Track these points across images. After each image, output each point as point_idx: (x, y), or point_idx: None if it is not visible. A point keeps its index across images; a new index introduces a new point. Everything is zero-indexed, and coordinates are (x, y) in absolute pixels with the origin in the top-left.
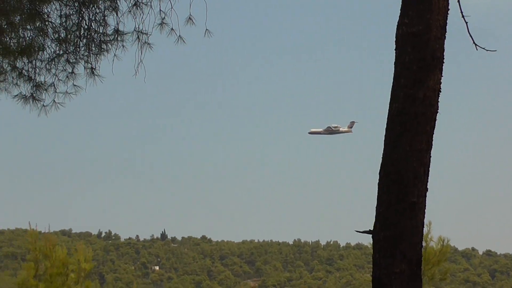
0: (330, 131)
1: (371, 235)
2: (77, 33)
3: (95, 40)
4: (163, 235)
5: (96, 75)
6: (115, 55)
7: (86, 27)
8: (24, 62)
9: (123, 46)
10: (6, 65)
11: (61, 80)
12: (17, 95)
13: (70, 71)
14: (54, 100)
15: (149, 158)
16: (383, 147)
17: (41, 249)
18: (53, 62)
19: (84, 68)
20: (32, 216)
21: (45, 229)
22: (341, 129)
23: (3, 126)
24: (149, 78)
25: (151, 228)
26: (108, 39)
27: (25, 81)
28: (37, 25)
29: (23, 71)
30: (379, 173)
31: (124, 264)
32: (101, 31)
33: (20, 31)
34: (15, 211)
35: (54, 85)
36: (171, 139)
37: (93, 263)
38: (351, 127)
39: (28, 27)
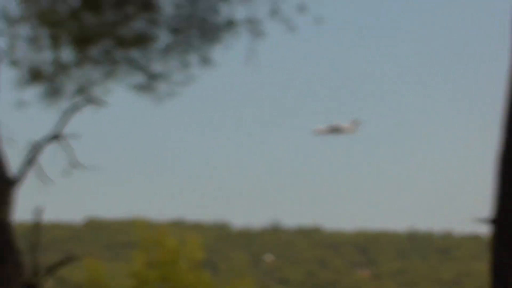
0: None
1: (490, 223)
2: (190, 22)
3: (208, 29)
4: (275, 224)
5: (209, 64)
6: (227, 44)
7: (199, 16)
8: (138, 53)
9: (235, 35)
10: (121, 56)
11: (175, 70)
12: (131, 85)
13: (184, 61)
14: (169, 90)
15: (263, 147)
16: (501, 134)
17: (153, 239)
18: (167, 52)
19: (197, 57)
20: (144, 205)
21: (156, 218)
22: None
23: (117, 117)
24: (262, 66)
25: (263, 217)
26: (221, 28)
27: (140, 71)
28: (151, 15)
29: (137, 61)
30: (498, 161)
31: (237, 253)
32: (213, 20)
33: (134, 22)
34: (127, 201)
35: (167, 75)
36: (276, 129)
37: (205, 252)
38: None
39: (142, 18)
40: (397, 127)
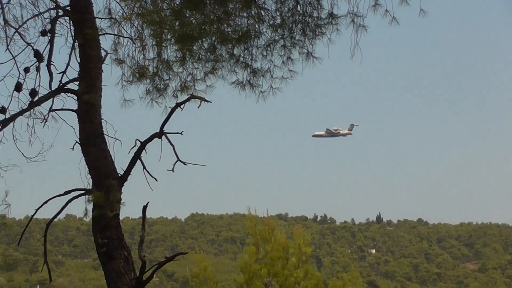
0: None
1: None
2: (292, 18)
3: (310, 24)
4: (379, 218)
5: (313, 58)
6: (329, 38)
7: (301, 12)
8: (241, 49)
9: (337, 29)
10: (224, 53)
11: (276, 66)
12: (234, 81)
13: (286, 56)
14: (271, 86)
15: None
16: None
17: (261, 233)
18: (269, 48)
19: (299, 53)
20: (250, 201)
21: (263, 213)
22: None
23: (221, 114)
24: (365, 60)
25: (367, 211)
26: (323, 22)
27: (242, 68)
28: (253, 12)
29: (240, 58)
30: None
31: (341, 247)
32: (315, 15)
33: (237, 19)
34: (233, 197)
35: (270, 71)
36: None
37: (312, 247)
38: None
39: (244, 14)
40: None
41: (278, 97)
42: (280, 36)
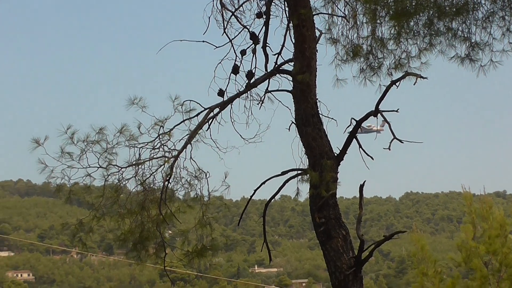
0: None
1: None
2: None
3: None
4: None
5: None
6: None
7: None
8: (459, 22)
9: None
10: (442, 27)
11: (496, 38)
12: (453, 56)
13: (506, 28)
14: (491, 59)
15: None
16: None
17: (477, 211)
18: (488, 20)
19: None
20: (465, 178)
21: (480, 191)
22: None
23: (437, 90)
24: None
25: None
26: None
27: (460, 41)
28: None
29: (459, 31)
30: None
31: None
32: None
33: None
34: (448, 175)
35: (489, 44)
36: None
37: None
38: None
39: None
40: None
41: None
42: (500, 7)
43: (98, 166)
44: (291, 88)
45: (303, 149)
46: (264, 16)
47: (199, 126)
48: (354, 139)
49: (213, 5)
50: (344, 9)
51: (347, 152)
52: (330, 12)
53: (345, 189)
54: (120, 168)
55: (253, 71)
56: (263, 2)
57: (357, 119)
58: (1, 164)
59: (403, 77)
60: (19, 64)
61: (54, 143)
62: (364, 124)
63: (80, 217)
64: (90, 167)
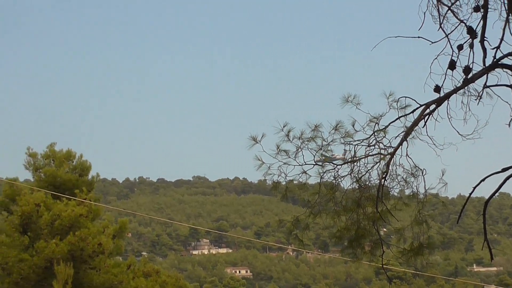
0: None
1: None
2: None
3: None
4: None
5: None
6: None
7: None
8: None
9: None
10: None
11: None
12: None
13: None
14: None
15: None
16: None
17: None
18: None
19: None
20: None
21: None
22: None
23: None
24: None
25: None
26: None
27: None
28: None
29: None
30: None
31: None
32: None
33: None
34: None
35: None
36: None
37: None
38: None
39: None
40: None
41: None
42: None
43: (314, 163)
44: (511, 83)
45: None
46: (481, 10)
47: (415, 123)
48: None
49: (429, 1)
50: None
51: None
52: None
53: None
54: (335, 165)
55: (471, 66)
56: None
57: None
58: (219, 162)
59: None
60: (235, 66)
61: (271, 140)
62: (328, 154)
63: (294, 215)
64: (306, 164)
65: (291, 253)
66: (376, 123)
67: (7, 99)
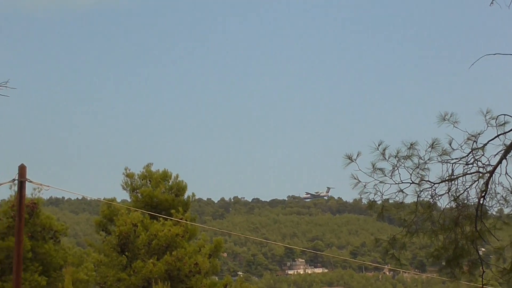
0: None
1: None
2: None
3: None
4: None
5: None
6: None
7: None
8: None
9: None
10: None
11: None
12: None
13: None
14: None
15: None
16: None
17: None
18: None
19: None
20: None
21: None
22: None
23: None
24: None
25: None
26: None
27: None
28: None
29: None
30: None
31: None
32: None
33: None
34: None
35: None
36: None
37: None
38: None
39: None
40: None
41: None
42: None
43: (411, 181)
44: None
45: None
46: None
47: None
48: None
49: None
50: None
51: None
52: None
53: None
54: (433, 184)
55: None
56: None
57: None
58: (313, 180)
59: None
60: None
61: (366, 159)
62: (312, 191)
63: (391, 234)
64: (402, 182)
65: (387, 273)
66: (474, 141)
67: (108, 120)
